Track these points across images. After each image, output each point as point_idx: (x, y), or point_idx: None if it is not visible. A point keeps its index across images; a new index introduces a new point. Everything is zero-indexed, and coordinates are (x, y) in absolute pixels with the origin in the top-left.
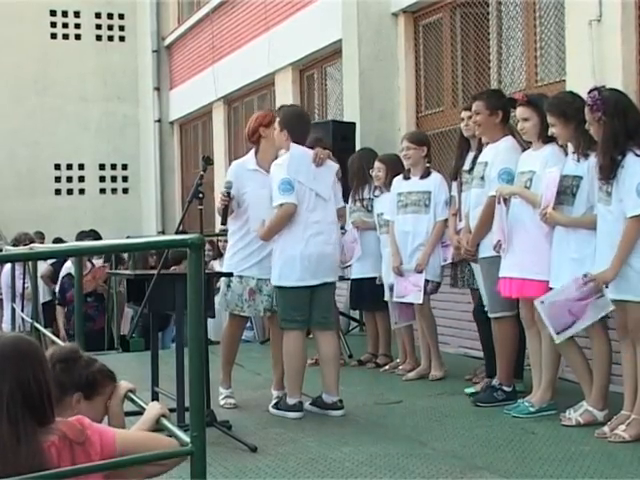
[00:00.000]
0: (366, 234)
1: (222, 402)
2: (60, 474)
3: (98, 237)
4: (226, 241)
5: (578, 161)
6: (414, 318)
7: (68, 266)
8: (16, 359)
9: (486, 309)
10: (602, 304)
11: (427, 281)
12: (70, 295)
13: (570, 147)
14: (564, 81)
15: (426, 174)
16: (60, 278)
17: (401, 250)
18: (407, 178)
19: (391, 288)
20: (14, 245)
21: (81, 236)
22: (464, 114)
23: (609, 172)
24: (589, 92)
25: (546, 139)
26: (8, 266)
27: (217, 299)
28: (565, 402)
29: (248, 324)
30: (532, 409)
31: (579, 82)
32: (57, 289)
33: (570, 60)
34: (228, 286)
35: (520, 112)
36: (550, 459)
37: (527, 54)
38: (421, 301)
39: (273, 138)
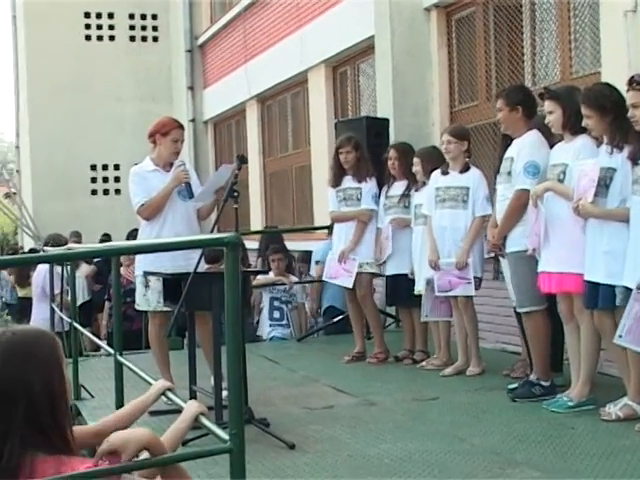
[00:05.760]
0: (400, 230)
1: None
2: None
3: None
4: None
5: (611, 153)
6: (449, 314)
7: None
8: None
9: (513, 304)
10: None
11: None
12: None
13: (604, 139)
14: (599, 73)
15: (465, 169)
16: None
17: (438, 245)
18: (445, 173)
19: (428, 282)
20: (46, 246)
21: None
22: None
23: None
24: None
25: (577, 130)
26: (41, 266)
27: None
28: (604, 397)
29: (284, 321)
30: (571, 404)
31: (615, 74)
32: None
33: (605, 52)
34: (146, 286)
35: (545, 106)
36: (590, 454)
37: (561, 46)
38: (473, 293)
39: (167, 146)
